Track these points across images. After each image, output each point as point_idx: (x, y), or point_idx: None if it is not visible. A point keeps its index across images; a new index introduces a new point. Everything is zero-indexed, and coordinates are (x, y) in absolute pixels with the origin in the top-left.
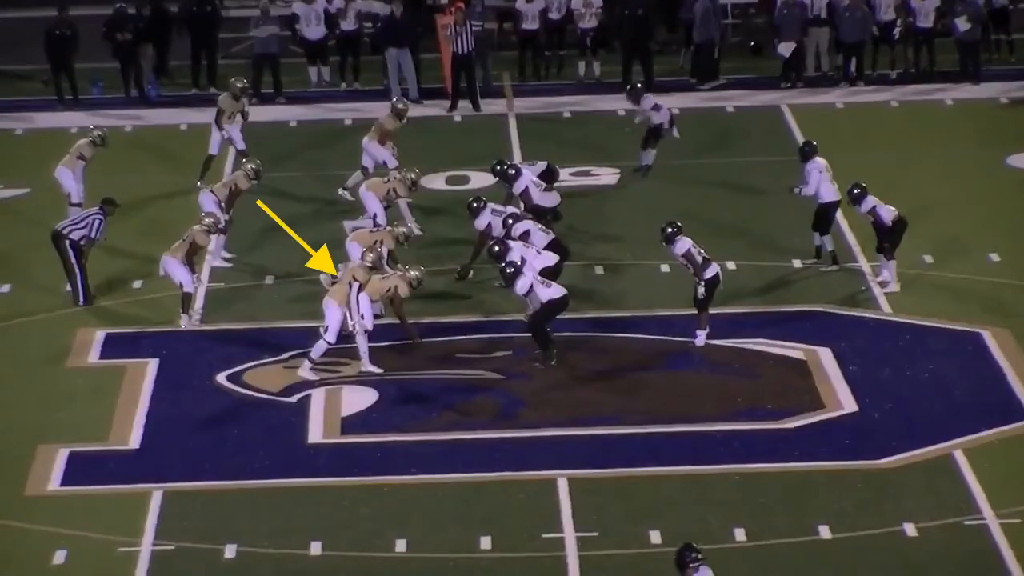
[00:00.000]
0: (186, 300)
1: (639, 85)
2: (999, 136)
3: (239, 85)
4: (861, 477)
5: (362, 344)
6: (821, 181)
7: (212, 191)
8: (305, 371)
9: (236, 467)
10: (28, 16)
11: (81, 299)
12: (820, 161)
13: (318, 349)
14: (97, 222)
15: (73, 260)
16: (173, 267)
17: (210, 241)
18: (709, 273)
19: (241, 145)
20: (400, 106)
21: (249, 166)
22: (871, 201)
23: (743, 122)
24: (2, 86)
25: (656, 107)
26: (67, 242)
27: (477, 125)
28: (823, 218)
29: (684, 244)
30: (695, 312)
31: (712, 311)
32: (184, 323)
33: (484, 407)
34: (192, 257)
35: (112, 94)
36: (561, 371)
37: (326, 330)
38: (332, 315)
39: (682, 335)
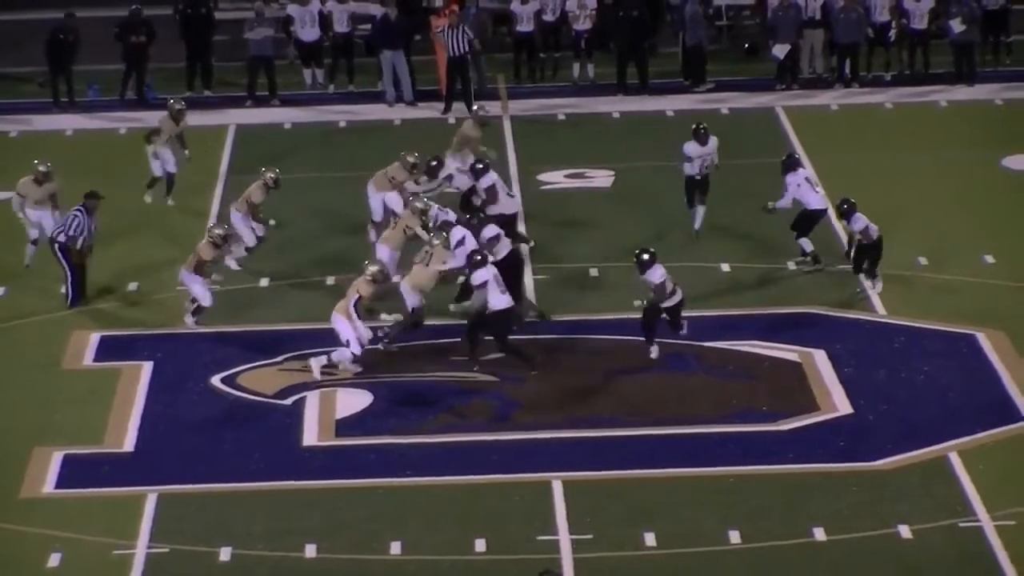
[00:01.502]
0: (200, 309)
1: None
2: (994, 138)
3: (177, 107)
4: (856, 479)
5: (338, 353)
6: (805, 192)
7: (236, 208)
8: (316, 367)
9: (231, 469)
10: (24, 18)
11: (69, 299)
12: (802, 172)
13: (340, 354)
14: (73, 219)
15: (63, 262)
16: (189, 280)
17: (215, 254)
18: (673, 301)
19: (172, 167)
20: (481, 114)
21: (269, 175)
22: (862, 219)
23: (738, 124)
24: None
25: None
26: (56, 245)
27: None
28: (806, 222)
29: (658, 272)
30: (690, 314)
31: (706, 313)
32: (189, 321)
33: (479, 409)
34: (201, 270)
35: (107, 96)
36: (555, 373)
37: (347, 343)
38: (344, 329)
39: (677, 338)
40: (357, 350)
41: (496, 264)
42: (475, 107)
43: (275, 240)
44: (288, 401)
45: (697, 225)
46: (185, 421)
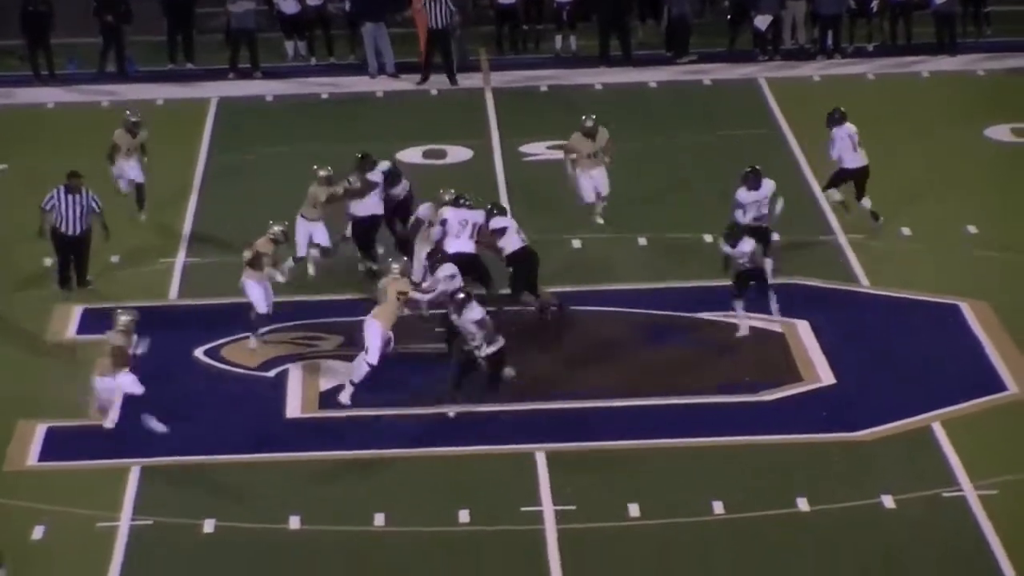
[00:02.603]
0: (257, 321)
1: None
2: (976, 108)
3: (132, 119)
4: (839, 449)
5: (356, 372)
6: (846, 148)
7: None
8: (345, 396)
9: (214, 442)
10: None
11: (57, 282)
12: (848, 127)
13: (359, 371)
14: (49, 197)
15: (51, 242)
16: (248, 286)
17: (273, 249)
18: (754, 267)
19: (140, 177)
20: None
21: (276, 228)
22: (750, 243)
23: (720, 96)
24: None
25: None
26: (49, 227)
27: (454, 99)
28: (838, 178)
29: (748, 244)
30: (673, 285)
31: (689, 284)
32: (252, 343)
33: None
34: (257, 263)
35: (87, 69)
36: (538, 345)
37: (367, 351)
38: (374, 335)
39: (660, 308)
40: (374, 360)
41: (510, 258)
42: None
43: (259, 213)
44: (271, 373)
45: (770, 279)
46: (168, 394)
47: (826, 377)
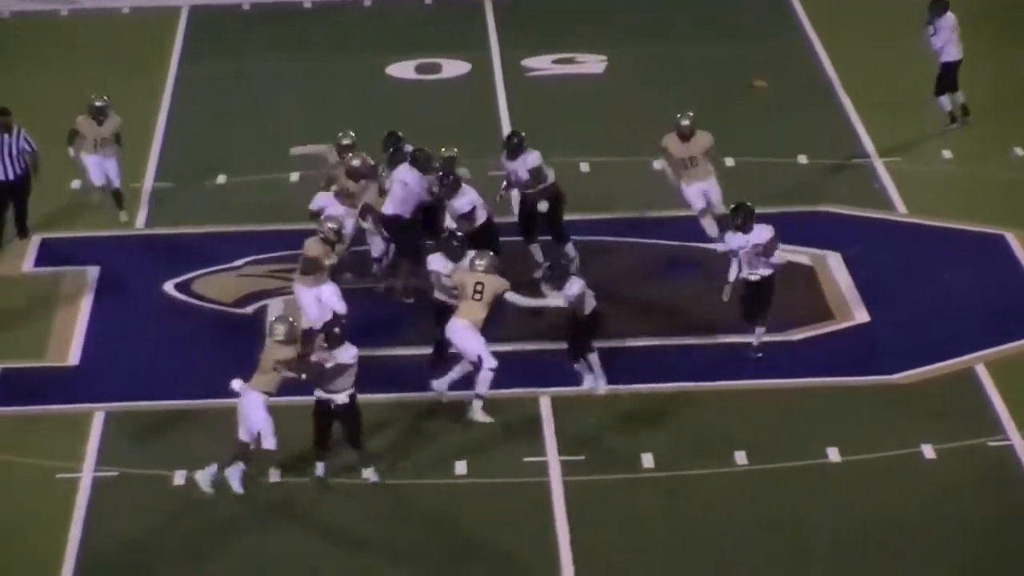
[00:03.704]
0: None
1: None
2: (1019, 24)
3: (97, 104)
4: (873, 394)
5: (480, 382)
6: (950, 39)
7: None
8: (478, 413)
9: (186, 385)
10: None
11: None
12: (950, 16)
13: (483, 382)
14: None
15: None
16: (300, 294)
17: (327, 253)
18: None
19: (116, 179)
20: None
21: (328, 225)
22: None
23: (743, 3)
24: None
25: None
26: None
27: (450, 7)
28: (947, 78)
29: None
30: (690, 213)
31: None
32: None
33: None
34: (315, 273)
35: None
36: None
37: (479, 359)
38: (471, 342)
39: (677, 239)
40: (493, 364)
41: (473, 234)
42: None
43: (235, 134)
44: (248, 310)
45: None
46: (135, 332)
47: (859, 315)
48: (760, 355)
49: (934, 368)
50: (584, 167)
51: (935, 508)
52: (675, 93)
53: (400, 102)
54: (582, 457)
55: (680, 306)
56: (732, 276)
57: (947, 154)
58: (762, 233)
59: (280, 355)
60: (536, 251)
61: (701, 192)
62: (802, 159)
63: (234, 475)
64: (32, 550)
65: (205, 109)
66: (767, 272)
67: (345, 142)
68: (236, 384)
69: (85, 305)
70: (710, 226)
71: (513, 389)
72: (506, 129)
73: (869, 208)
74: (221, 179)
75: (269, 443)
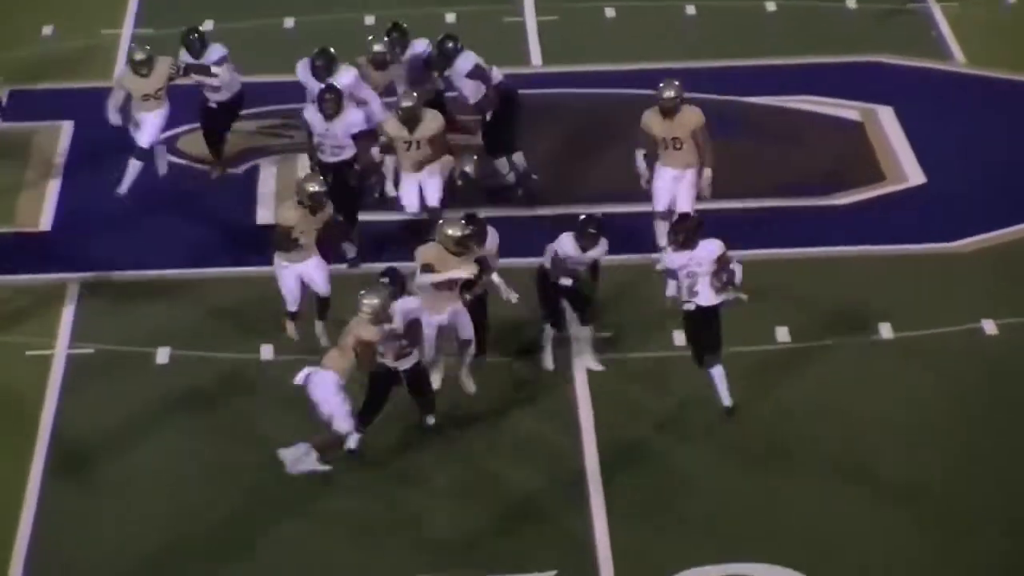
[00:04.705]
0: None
1: None
2: None
3: (137, 57)
4: (929, 264)
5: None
6: None
7: None
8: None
9: (169, 252)
10: None
11: None
12: None
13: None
14: None
15: None
16: (278, 272)
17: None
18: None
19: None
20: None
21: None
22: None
23: None
24: None
25: None
26: None
27: None
28: None
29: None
30: (729, 64)
31: (747, 62)
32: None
33: (474, 180)
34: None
35: None
36: (563, 136)
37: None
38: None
39: (713, 93)
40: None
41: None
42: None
43: None
44: (239, 170)
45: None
46: (113, 194)
47: (914, 176)
48: (732, 413)
49: (996, 235)
50: (609, 12)
51: (995, 388)
52: None
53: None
54: (608, 333)
55: (716, 166)
56: (670, 292)
57: None
58: (709, 250)
59: (365, 335)
60: (502, 165)
61: (671, 181)
62: (851, 3)
63: (307, 463)
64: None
65: None
66: (710, 303)
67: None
68: (301, 376)
69: (58, 164)
70: (664, 231)
71: (534, 258)
72: None
73: (925, 58)
74: (208, 24)
75: (343, 426)
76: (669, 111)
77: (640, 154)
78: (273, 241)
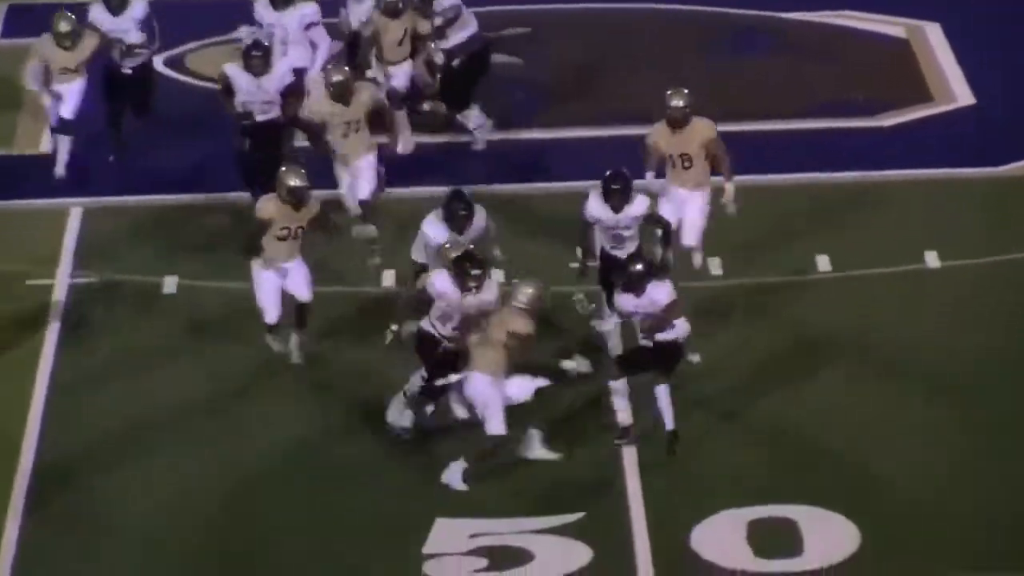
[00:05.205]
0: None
1: None
2: None
3: (62, 28)
4: (979, 188)
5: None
6: None
7: None
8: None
9: (179, 176)
10: None
11: None
12: None
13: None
14: None
15: None
16: (255, 276)
17: (283, 216)
18: None
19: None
20: None
21: (290, 181)
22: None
23: None
24: None
25: None
26: None
27: None
28: None
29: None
30: None
31: None
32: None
33: (494, 103)
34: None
35: None
36: (585, 53)
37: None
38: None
39: (744, 7)
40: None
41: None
42: None
43: None
44: None
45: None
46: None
47: (962, 96)
48: (674, 440)
49: None
50: None
51: None
52: None
53: None
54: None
55: (750, 86)
56: (612, 342)
57: None
58: (657, 294)
59: (516, 326)
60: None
61: (678, 204)
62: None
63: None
64: None
65: None
66: (666, 338)
67: None
68: (456, 379)
69: None
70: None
71: (556, 183)
72: None
73: None
74: None
75: (495, 427)
76: (678, 123)
77: (650, 176)
78: (246, 240)
